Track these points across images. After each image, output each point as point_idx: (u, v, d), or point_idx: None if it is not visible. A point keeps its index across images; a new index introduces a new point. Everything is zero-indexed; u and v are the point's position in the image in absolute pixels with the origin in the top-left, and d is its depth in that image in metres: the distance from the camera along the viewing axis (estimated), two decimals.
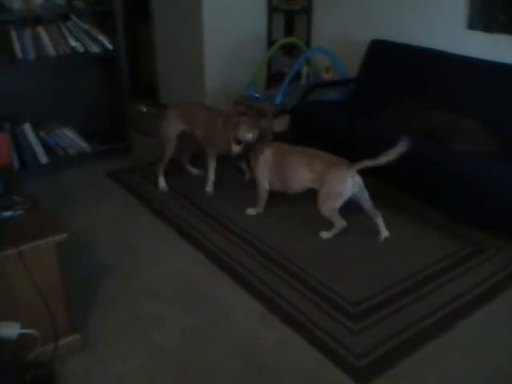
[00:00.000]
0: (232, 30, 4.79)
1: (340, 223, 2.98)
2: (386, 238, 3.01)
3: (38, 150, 3.77)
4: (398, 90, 3.80)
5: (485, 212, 2.93)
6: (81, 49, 3.76)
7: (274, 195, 3.27)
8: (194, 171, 3.87)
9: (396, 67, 3.88)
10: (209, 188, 3.56)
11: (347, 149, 3.46)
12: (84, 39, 3.75)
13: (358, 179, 2.87)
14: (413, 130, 3.35)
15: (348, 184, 2.85)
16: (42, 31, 3.59)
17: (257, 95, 4.33)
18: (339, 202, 2.90)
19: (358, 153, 2.94)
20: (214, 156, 3.51)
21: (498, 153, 3.11)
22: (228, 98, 4.49)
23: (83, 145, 3.98)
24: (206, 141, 3.49)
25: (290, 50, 4.95)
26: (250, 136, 3.17)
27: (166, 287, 2.60)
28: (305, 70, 4.43)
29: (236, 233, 3.08)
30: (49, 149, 3.85)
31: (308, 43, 4.76)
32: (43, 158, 3.80)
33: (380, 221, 3.00)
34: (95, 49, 3.80)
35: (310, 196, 3.07)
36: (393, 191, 3.51)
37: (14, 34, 3.50)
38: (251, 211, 3.28)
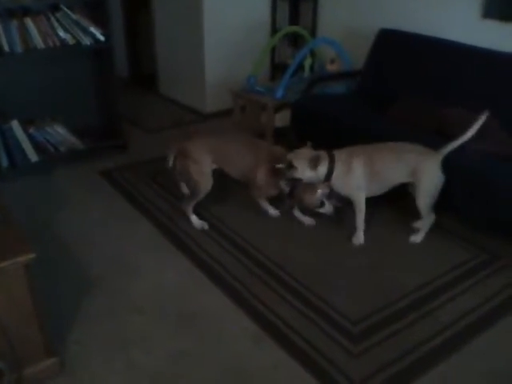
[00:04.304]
0: (234, 17, 4.57)
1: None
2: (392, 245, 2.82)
3: (27, 147, 3.59)
4: (408, 84, 3.57)
5: (500, 217, 2.70)
6: (71, 41, 3.57)
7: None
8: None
9: (405, 58, 3.64)
10: (273, 212, 3.13)
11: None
12: (74, 30, 3.55)
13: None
14: (424, 126, 3.14)
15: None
16: (29, 22, 3.40)
17: (258, 88, 4.10)
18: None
19: None
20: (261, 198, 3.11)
21: None
22: (228, 92, 4.28)
23: (75, 141, 3.80)
24: (245, 182, 3.06)
25: (295, 40, 4.71)
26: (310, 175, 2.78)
27: (154, 303, 2.42)
28: (308, 61, 4.19)
29: (233, 241, 2.89)
30: (39, 146, 3.67)
31: (313, 33, 4.52)
32: (33, 156, 3.63)
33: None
34: (86, 40, 3.60)
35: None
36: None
37: None
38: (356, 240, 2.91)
